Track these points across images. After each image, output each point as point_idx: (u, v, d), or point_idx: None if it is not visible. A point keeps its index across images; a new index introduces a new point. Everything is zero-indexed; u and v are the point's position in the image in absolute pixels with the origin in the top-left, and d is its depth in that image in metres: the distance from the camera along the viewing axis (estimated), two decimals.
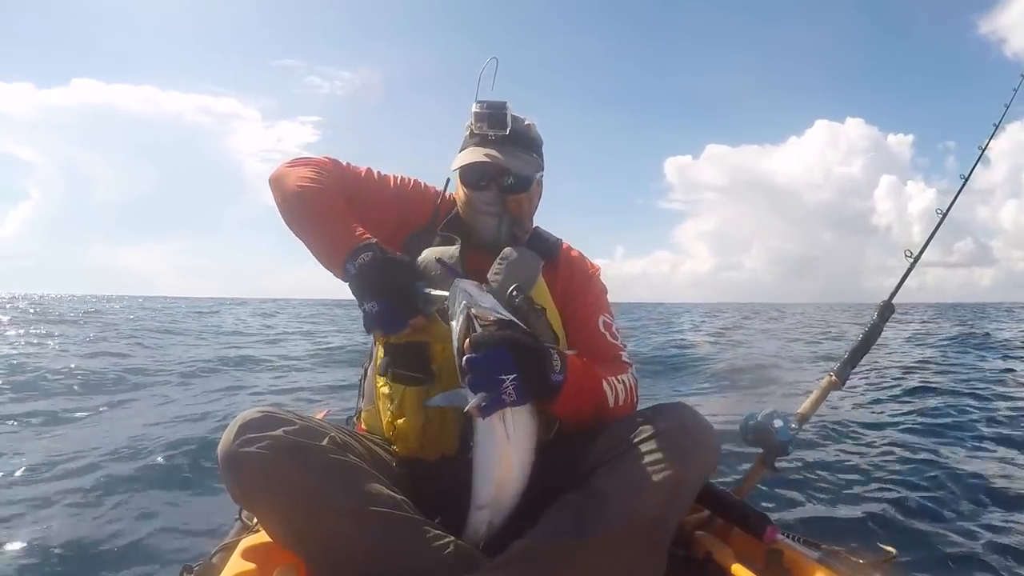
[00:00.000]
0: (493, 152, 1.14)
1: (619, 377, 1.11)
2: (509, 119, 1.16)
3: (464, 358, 0.88)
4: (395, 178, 1.27)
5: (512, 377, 0.88)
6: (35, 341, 8.66)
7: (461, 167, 1.17)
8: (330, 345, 9.17)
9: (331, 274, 1.08)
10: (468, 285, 0.96)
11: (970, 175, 1.63)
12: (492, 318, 0.91)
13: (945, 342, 9.21)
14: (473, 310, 0.91)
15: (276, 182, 1.16)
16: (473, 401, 0.88)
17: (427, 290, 1.02)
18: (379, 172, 1.27)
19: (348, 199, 1.15)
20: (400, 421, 1.11)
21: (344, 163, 1.24)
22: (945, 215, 1.58)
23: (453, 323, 0.95)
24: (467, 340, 0.89)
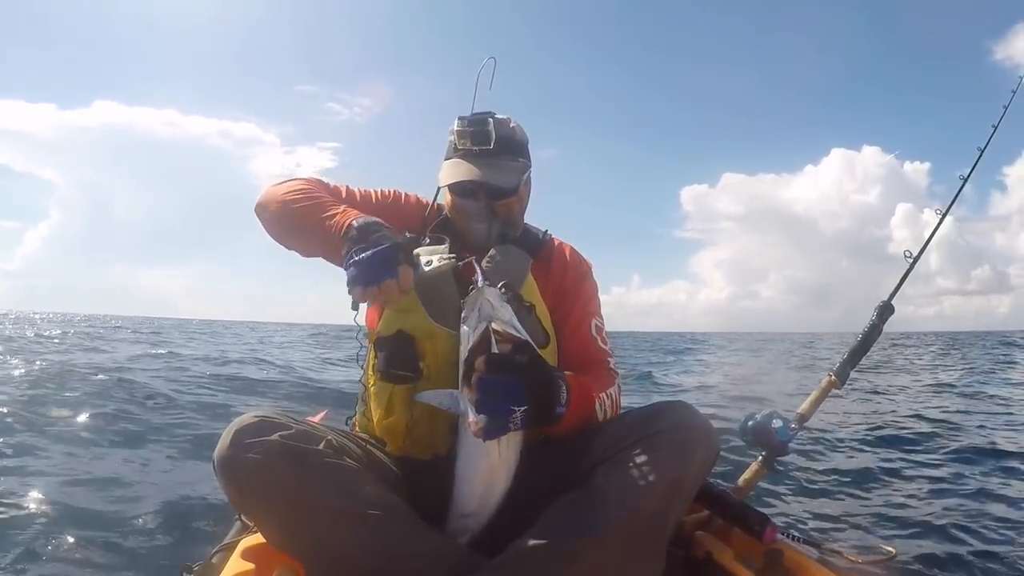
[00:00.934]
0: (476, 169, 1.14)
1: (608, 392, 1.11)
2: (492, 133, 1.15)
3: (477, 375, 0.87)
4: (376, 192, 1.27)
5: (523, 409, 0.88)
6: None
7: (443, 184, 1.17)
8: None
9: (332, 261, 1.08)
10: (491, 294, 0.94)
11: (970, 175, 1.63)
12: (511, 336, 0.90)
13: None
14: (494, 324, 0.90)
15: (262, 203, 1.15)
16: (475, 421, 0.87)
17: (425, 258, 0.98)
18: (360, 189, 1.26)
19: None
20: (388, 420, 1.11)
21: (326, 181, 1.24)
22: (945, 215, 1.58)
23: (465, 327, 0.93)
24: (484, 357, 0.88)
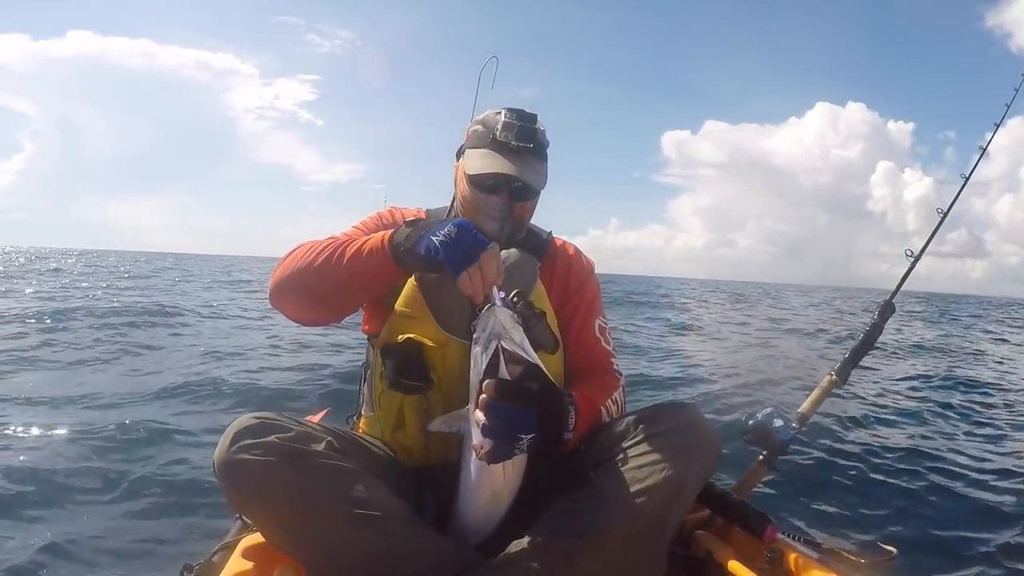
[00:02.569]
0: (511, 164, 1.11)
1: (613, 397, 1.11)
2: (538, 133, 1.14)
3: (486, 400, 0.86)
4: (366, 222, 1.23)
5: (531, 437, 0.87)
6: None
7: (476, 174, 1.13)
8: None
9: (373, 293, 1.06)
10: (503, 315, 0.92)
11: (971, 175, 1.63)
12: (521, 358, 0.89)
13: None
14: (504, 344, 0.89)
15: (278, 285, 1.06)
16: (480, 443, 0.87)
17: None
18: (351, 228, 1.22)
19: None
20: (400, 433, 1.10)
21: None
22: (945, 215, 1.58)
23: (476, 348, 0.93)
24: (495, 383, 0.87)
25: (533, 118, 1.14)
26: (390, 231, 0.99)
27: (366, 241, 1.00)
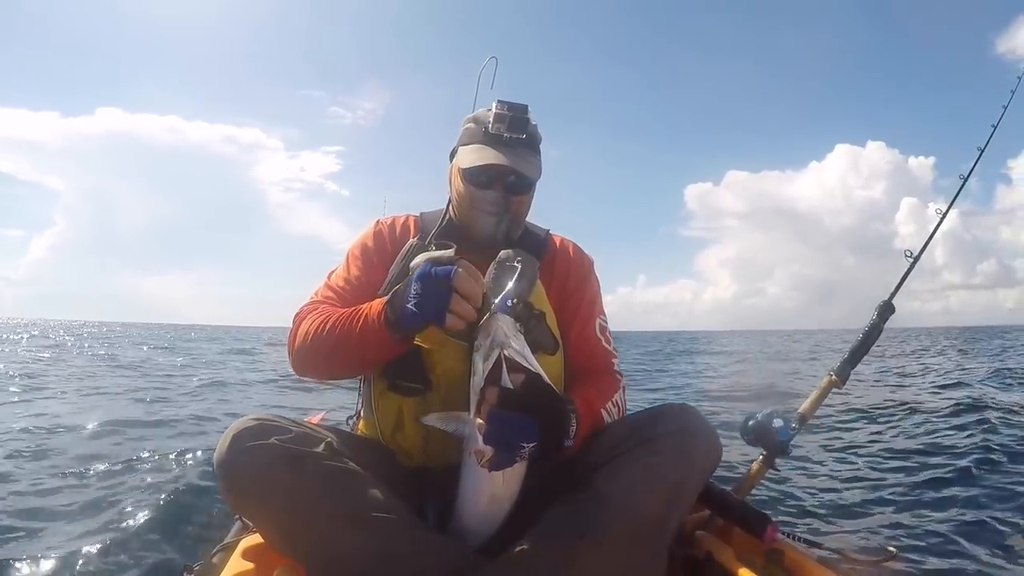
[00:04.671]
0: (504, 155, 1.11)
1: (613, 399, 1.11)
2: (530, 123, 1.13)
3: (488, 408, 0.86)
4: (355, 262, 1.23)
5: (532, 445, 0.87)
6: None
7: (470, 167, 1.13)
8: None
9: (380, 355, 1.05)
10: (505, 322, 0.92)
11: (970, 175, 1.63)
12: (522, 367, 0.89)
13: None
14: (506, 352, 0.88)
15: (300, 357, 1.11)
16: (482, 451, 0.87)
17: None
18: (343, 271, 1.22)
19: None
20: (399, 435, 1.09)
21: (316, 295, 1.20)
22: (945, 214, 1.58)
23: (477, 356, 0.92)
24: (497, 391, 0.87)
25: (524, 108, 1.13)
26: (381, 312, 0.98)
27: (360, 316, 1.01)
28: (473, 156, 1.13)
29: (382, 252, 1.22)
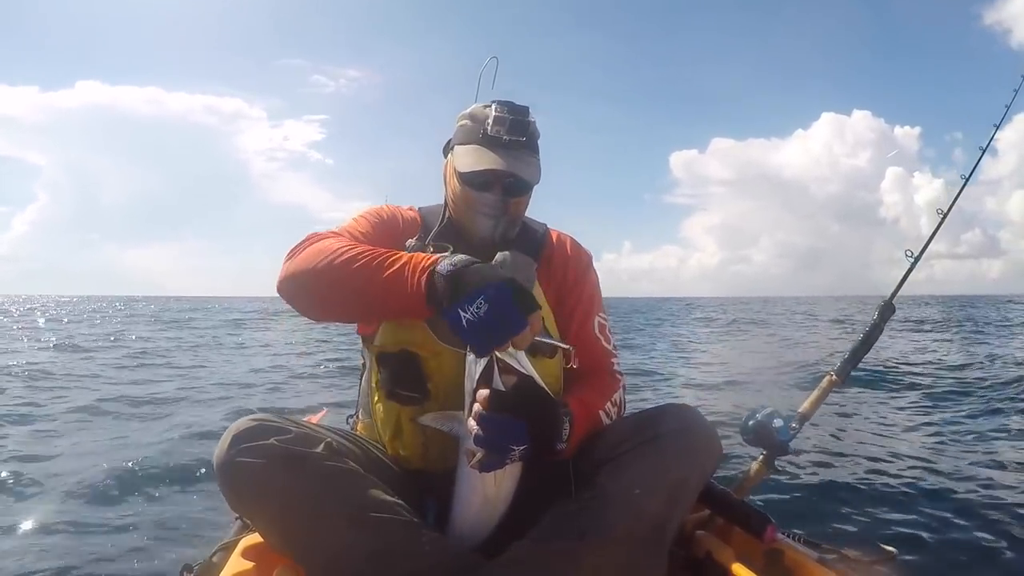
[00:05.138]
0: (503, 159, 1.08)
1: (613, 399, 1.11)
2: (531, 126, 1.11)
3: (479, 411, 0.87)
4: (368, 219, 1.18)
5: (522, 447, 0.88)
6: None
7: (468, 171, 1.10)
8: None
9: (389, 319, 1.02)
10: None
11: (971, 175, 1.62)
12: (514, 368, 0.89)
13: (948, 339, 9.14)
14: (499, 354, 0.88)
15: (293, 276, 1.00)
16: (472, 451, 0.88)
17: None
18: (353, 224, 1.16)
19: None
20: (399, 442, 1.08)
21: (335, 229, 1.13)
22: (946, 215, 1.57)
23: (470, 357, 0.92)
24: (487, 394, 0.87)
25: (525, 111, 1.10)
26: (427, 274, 0.88)
27: (404, 266, 0.91)
28: (471, 159, 1.10)
29: (393, 231, 1.17)
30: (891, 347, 7.93)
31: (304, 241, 1.03)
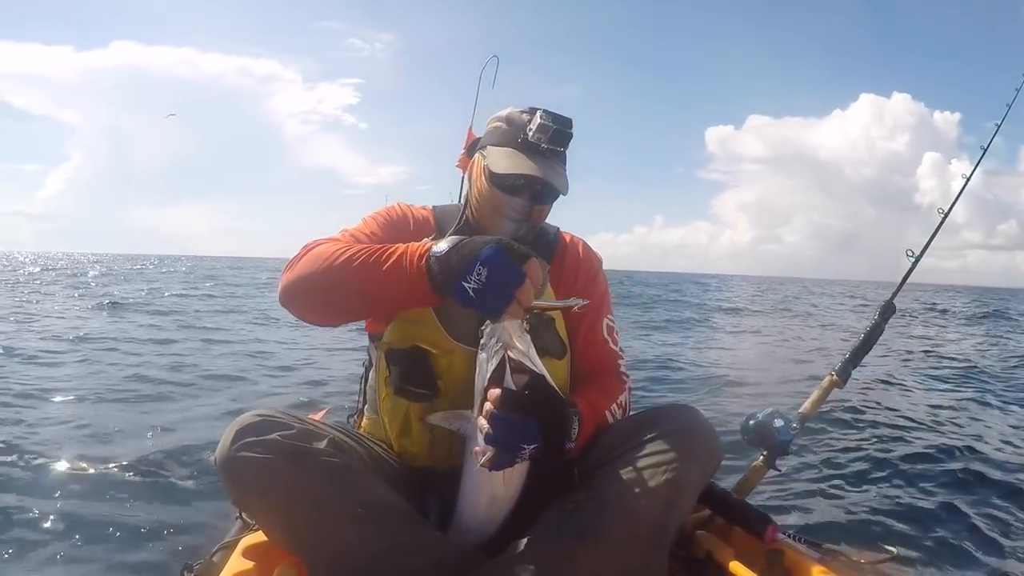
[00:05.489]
0: (539, 167, 1.08)
1: (618, 401, 1.11)
2: (571, 137, 1.11)
3: (490, 410, 0.87)
4: (378, 220, 1.19)
5: (532, 446, 0.88)
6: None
7: (504, 173, 1.09)
8: None
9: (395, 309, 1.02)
10: (512, 324, 0.91)
11: (971, 175, 1.63)
12: (526, 368, 0.89)
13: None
14: (511, 352, 0.88)
15: (291, 285, 1.00)
16: (482, 450, 0.88)
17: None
18: (361, 227, 1.17)
19: None
20: (406, 439, 1.09)
21: (335, 236, 1.12)
22: (946, 215, 1.58)
23: (482, 355, 0.93)
24: (499, 393, 0.87)
25: (569, 122, 1.10)
26: (424, 258, 0.90)
27: (395, 254, 0.93)
28: (507, 162, 1.09)
29: (403, 232, 1.17)
30: (891, 342, 7.89)
31: (300, 251, 1.03)
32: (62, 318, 7.94)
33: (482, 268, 0.85)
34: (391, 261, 0.92)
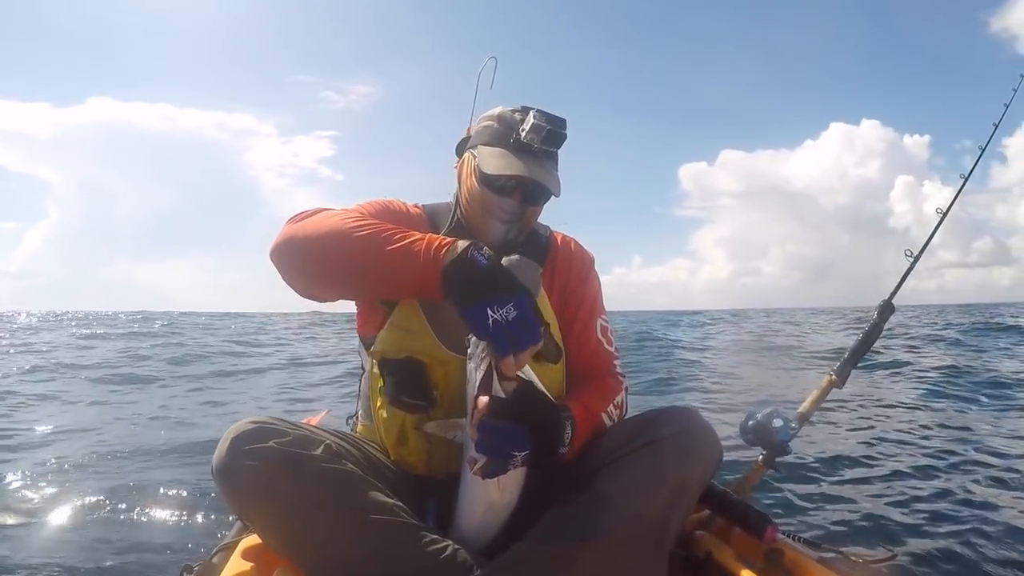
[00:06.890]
0: (531, 167, 1.07)
1: (615, 402, 1.11)
2: (564, 138, 1.10)
3: (479, 417, 0.87)
4: (374, 203, 1.17)
5: (524, 453, 0.88)
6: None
7: (494, 173, 1.08)
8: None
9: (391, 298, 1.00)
10: None
11: (970, 174, 1.63)
12: (513, 375, 0.89)
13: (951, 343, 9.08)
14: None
15: (290, 239, 0.97)
16: (475, 458, 0.88)
17: None
18: (365, 206, 1.15)
19: None
20: (403, 449, 1.08)
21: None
22: (945, 214, 1.57)
23: (471, 364, 0.92)
24: (488, 401, 0.87)
25: (563, 123, 1.08)
26: (443, 253, 0.88)
27: (418, 241, 0.91)
28: (499, 162, 1.08)
29: (401, 224, 1.12)
30: (892, 346, 7.90)
31: (311, 210, 1.01)
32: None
33: (512, 310, 0.84)
34: (404, 243, 0.91)
